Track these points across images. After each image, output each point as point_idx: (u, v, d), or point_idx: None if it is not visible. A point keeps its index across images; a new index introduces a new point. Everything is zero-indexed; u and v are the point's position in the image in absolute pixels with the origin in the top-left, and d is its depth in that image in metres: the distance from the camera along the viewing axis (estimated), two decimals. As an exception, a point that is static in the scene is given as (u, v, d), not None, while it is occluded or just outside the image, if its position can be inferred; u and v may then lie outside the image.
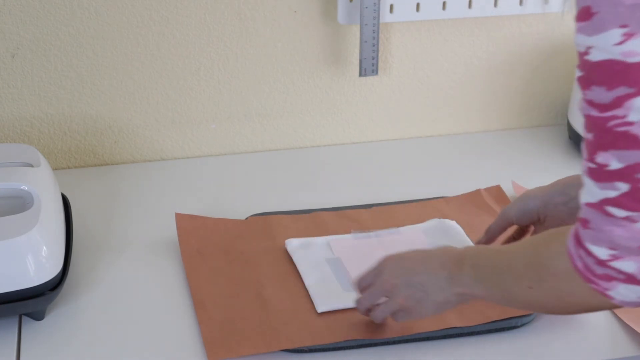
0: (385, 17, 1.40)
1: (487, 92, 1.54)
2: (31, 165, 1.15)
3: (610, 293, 0.76)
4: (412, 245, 1.17)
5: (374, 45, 1.41)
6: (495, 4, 1.42)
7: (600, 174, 0.72)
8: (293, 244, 1.19)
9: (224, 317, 1.06)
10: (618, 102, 0.68)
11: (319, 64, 1.46)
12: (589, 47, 0.69)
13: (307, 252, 1.17)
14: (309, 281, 1.12)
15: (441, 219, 1.24)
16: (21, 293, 1.01)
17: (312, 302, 1.08)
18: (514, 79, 1.54)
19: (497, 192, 1.32)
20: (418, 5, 1.40)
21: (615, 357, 1.03)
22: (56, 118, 1.40)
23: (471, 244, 1.18)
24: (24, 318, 1.06)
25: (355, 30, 1.44)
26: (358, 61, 1.43)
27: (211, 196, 1.35)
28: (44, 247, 1.03)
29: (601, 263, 0.75)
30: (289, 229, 1.23)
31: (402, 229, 1.23)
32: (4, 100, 1.37)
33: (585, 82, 0.71)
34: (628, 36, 0.65)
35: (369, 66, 1.43)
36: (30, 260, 1.01)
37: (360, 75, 1.43)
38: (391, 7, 1.40)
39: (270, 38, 1.42)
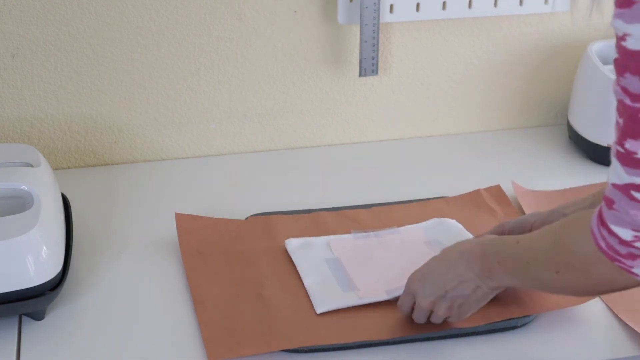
0: (385, 17, 1.40)
1: (487, 92, 1.54)
2: (31, 165, 1.15)
3: (635, 270, 0.77)
4: (411, 244, 1.17)
5: (374, 45, 1.41)
6: (495, 4, 1.42)
7: (629, 160, 0.73)
8: (293, 244, 1.19)
9: (224, 317, 1.06)
10: None
11: (319, 64, 1.46)
12: (626, 34, 0.68)
13: (307, 252, 1.17)
14: (308, 281, 1.12)
15: (441, 218, 1.24)
16: (21, 293, 1.01)
17: (312, 303, 1.08)
18: (514, 79, 1.54)
19: (497, 192, 1.32)
20: (418, 5, 1.40)
21: (615, 357, 1.03)
22: (56, 118, 1.40)
23: (470, 235, 1.18)
24: (24, 318, 1.06)
25: (355, 30, 1.44)
26: (358, 61, 1.43)
27: (211, 196, 1.35)
28: (44, 247, 1.03)
29: (625, 243, 0.76)
30: (289, 229, 1.23)
31: (402, 228, 1.23)
32: (4, 100, 1.37)
33: (621, 68, 0.71)
34: None
35: (369, 66, 1.43)
36: (30, 260, 1.01)
37: (360, 75, 1.43)
38: (391, 7, 1.40)
39: (270, 38, 1.42)
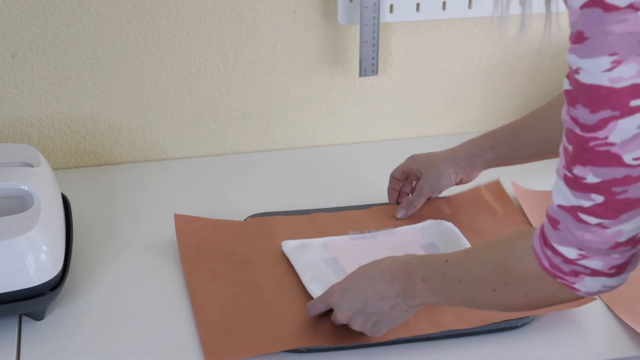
0: (385, 17, 1.40)
1: (487, 92, 1.54)
2: (31, 165, 1.15)
3: (577, 286, 0.80)
4: (408, 246, 1.17)
5: (374, 45, 1.41)
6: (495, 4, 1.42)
7: (577, 185, 0.75)
8: (289, 246, 1.19)
9: (222, 319, 1.05)
10: (601, 124, 0.71)
11: (319, 64, 1.46)
12: (579, 68, 0.71)
13: (304, 253, 1.17)
14: (306, 278, 1.12)
15: (437, 220, 1.24)
16: (21, 293, 1.01)
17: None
18: (514, 79, 1.54)
19: (496, 188, 1.33)
20: (418, 5, 1.40)
21: (615, 357, 1.03)
22: (56, 118, 1.40)
23: (468, 244, 1.18)
24: (24, 318, 1.06)
25: (355, 30, 1.44)
26: (358, 61, 1.43)
27: (211, 196, 1.35)
28: (44, 247, 1.03)
29: (569, 261, 0.79)
30: (288, 230, 1.23)
31: (398, 229, 1.23)
32: (4, 100, 1.37)
33: (572, 99, 0.73)
34: (617, 63, 0.68)
35: (369, 66, 1.43)
36: (30, 260, 1.01)
37: (360, 75, 1.43)
38: (391, 7, 1.40)
39: (270, 38, 1.42)
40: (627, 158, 0.72)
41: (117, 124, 1.43)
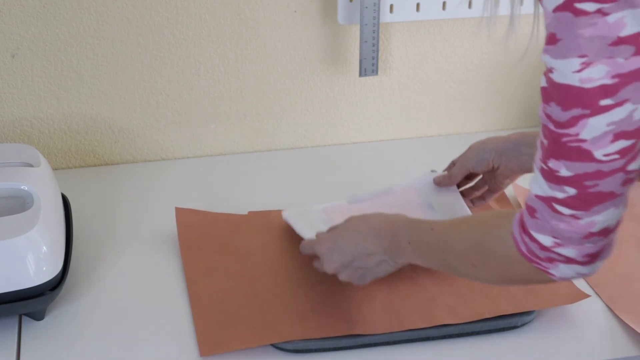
0: (385, 17, 1.40)
1: (487, 92, 1.54)
2: (31, 165, 1.15)
3: (552, 271, 0.84)
4: (405, 207, 1.18)
5: (374, 45, 1.41)
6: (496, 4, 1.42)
7: (552, 177, 0.79)
8: (289, 212, 1.22)
9: (218, 311, 1.06)
10: (572, 122, 0.75)
11: (319, 64, 1.46)
12: (553, 68, 0.75)
13: (303, 217, 1.21)
14: (305, 235, 1.14)
15: (433, 171, 1.27)
16: (21, 293, 1.01)
17: (306, 298, 1.08)
18: (514, 79, 1.54)
19: None
20: (418, 5, 1.40)
21: (615, 357, 1.03)
22: (56, 118, 1.40)
23: (464, 205, 1.22)
24: (24, 318, 1.06)
25: (355, 30, 1.44)
26: (358, 61, 1.43)
27: (211, 196, 1.35)
28: (44, 247, 1.03)
29: (545, 249, 0.82)
30: (289, 225, 1.23)
31: (394, 188, 1.25)
32: (4, 100, 1.37)
33: (547, 96, 0.77)
34: (586, 65, 0.72)
35: (369, 66, 1.43)
36: (30, 260, 1.01)
37: (360, 75, 1.43)
38: (391, 7, 1.40)
39: (270, 38, 1.42)
40: (598, 154, 0.75)
41: (117, 124, 1.43)
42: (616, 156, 0.76)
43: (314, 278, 1.12)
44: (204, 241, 1.19)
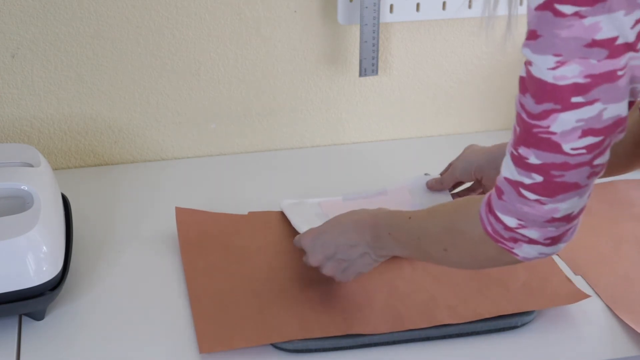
0: (385, 17, 1.40)
1: (487, 92, 1.54)
2: (31, 165, 1.15)
3: (516, 251, 0.87)
4: (398, 207, 1.19)
5: (374, 45, 1.41)
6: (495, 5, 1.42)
7: (520, 163, 0.82)
8: (286, 202, 1.25)
9: (217, 310, 1.06)
10: (544, 115, 0.78)
11: (319, 64, 1.46)
12: (531, 62, 0.78)
13: (299, 208, 1.24)
14: (301, 229, 1.17)
15: (427, 174, 1.28)
16: (21, 293, 1.01)
17: (306, 297, 1.09)
18: (514, 79, 1.54)
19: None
20: (418, 5, 1.41)
21: (615, 357, 1.03)
22: (56, 118, 1.40)
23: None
24: (24, 318, 1.06)
25: (355, 30, 1.44)
26: (358, 61, 1.43)
27: (211, 196, 1.35)
28: (44, 247, 1.03)
29: (509, 229, 0.85)
30: (288, 225, 1.24)
31: (388, 188, 1.27)
32: (4, 100, 1.37)
33: (523, 87, 0.80)
34: (560, 64, 0.75)
35: (369, 66, 1.43)
36: (30, 260, 1.01)
37: (360, 75, 1.43)
38: (391, 7, 1.40)
39: (270, 38, 1.42)
40: (566, 147, 0.79)
41: (117, 124, 1.43)
42: (583, 151, 0.79)
43: (314, 278, 1.12)
44: (204, 241, 1.20)
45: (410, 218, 1.00)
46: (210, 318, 1.05)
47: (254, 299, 1.09)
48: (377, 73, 1.43)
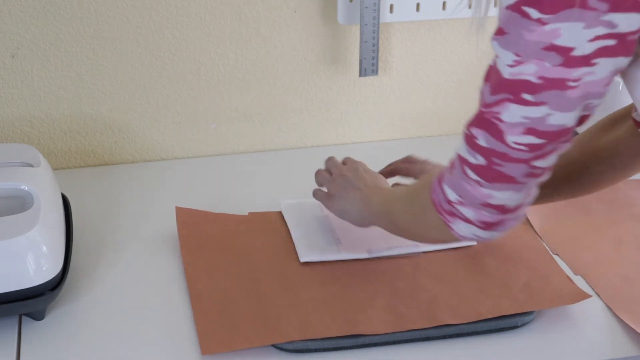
0: (385, 17, 1.40)
1: (487, 92, 1.54)
2: (31, 165, 1.15)
3: (452, 226, 0.91)
4: None
5: (374, 45, 1.41)
6: (496, 4, 1.42)
7: (470, 142, 0.86)
8: (286, 203, 1.26)
9: (219, 311, 1.06)
10: (498, 102, 0.82)
11: (319, 64, 1.46)
12: (498, 55, 0.81)
13: (298, 210, 1.25)
14: (296, 234, 1.19)
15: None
16: (21, 293, 1.01)
17: (307, 298, 1.09)
18: (514, 79, 1.54)
19: None
20: (418, 5, 1.41)
21: (615, 357, 1.03)
22: (56, 118, 1.40)
23: None
24: (24, 318, 1.06)
25: (355, 30, 1.44)
26: (358, 61, 1.43)
27: (211, 196, 1.35)
28: (44, 247, 1.03)
29: (449, 202, 0.90)
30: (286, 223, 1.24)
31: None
32: (4, 100, 1.37)
33: (487, 75, 0.83)
34: (518, 63, 0.78)
35: (369, 66, 1.43)
36: (30, 260, 1.01)
37: (360, 75, 1.43)
38: (391, 7, 1.40)
39: (270, 38, 1.42)
40: (509, 139, 0.82)
41: (117, 124, 1.43)
42: (524, 148, 0.82)
43: (315, 278, 1.13)
44: (204, 241, 1.20)
45: (394, 192, 1.08)
46: (211, 319, 1.05)
47: (254, 300, 1.09)
48: (377, 73, 1.43)
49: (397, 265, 1.15)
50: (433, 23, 1.46)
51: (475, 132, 0.85)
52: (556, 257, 1.19)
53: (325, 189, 1.18)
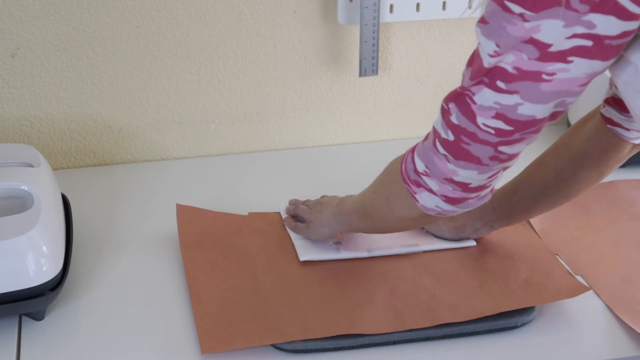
0: (385, 17, 1.40)
1: (487, 92, 1.54)
2: (31, 165, 1.15)
3: (417, 197, 0.94)
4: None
5: (374, 45, 1.41)
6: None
7: (445, 117, 0.88)
8: (285, 205, 1.27)
9: (219, 310, 1.06)
10: (475, 85, 0.84)
11: (319, 64, 1.46)
12: (480, 42, 0.82)
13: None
14: (295, 234, 1.20)
15: None
16: (21, 293, 1.01)
17: (307, 298, 1.09)
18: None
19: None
20: (418, 5, 1.41)
21: (615, 357, 1.03)
22: (56, 118, 1.40)
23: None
24: (24, 318, 1.06)
25: (355, 30, 1.44)
26: (358, 61, 1.43)
27: (211, 196, 1.35)
28: (44, 247, 1.03)
29: (416, 172, 0.93)
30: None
31: None
32: (4, 100, 1.37)
33: (470, 60, 0.85)
34: (497, 54, 0.80)
35: (369, 66, 1.43)
36: (30, 260, 1.01)
37: (360, 75, 1.43)
38: (391, 7, 1.40)
39: (270, 38, 1.42)
40: (479, 120, 0.84)
41: (117, 124, 1.43)
42: (492, 131, 0.84)
43: (315, 278, 1.13)
44: (205, 239, 1.20)
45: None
46: (211, 318, 1.05)
47: (254, 299, 1.09)
48: (377, 73, 1.43)
49: (396, 265, 1.15)
50: (433, 23, 1.46)
51: (451, 107, 0.87)
52: (556, 257, 1.19)
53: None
